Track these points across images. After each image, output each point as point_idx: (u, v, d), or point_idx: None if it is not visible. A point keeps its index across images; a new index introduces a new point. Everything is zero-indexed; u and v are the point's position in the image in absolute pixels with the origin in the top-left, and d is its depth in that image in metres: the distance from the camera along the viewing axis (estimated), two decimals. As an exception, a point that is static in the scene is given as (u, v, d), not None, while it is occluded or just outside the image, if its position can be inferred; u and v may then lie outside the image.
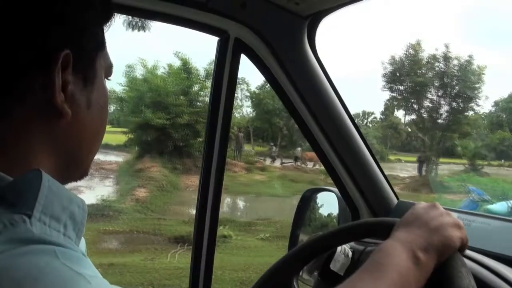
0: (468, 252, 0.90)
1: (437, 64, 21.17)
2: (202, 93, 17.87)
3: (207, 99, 17.35)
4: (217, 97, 1.38)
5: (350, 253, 1.29)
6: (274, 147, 22.21)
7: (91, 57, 0.68)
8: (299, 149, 21.35)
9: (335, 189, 1.57)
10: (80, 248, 0.79)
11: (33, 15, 0.60)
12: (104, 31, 0.72)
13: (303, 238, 1.70)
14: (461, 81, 20.86)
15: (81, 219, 0.62)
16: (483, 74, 20.73)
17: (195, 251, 1.48)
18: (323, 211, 1.82)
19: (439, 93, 21.27)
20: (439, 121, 21.61)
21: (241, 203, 15.05)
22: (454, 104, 21.23)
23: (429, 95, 21.55)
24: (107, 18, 0.72)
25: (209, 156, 1.42)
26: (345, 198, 1.53)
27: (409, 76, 21.15)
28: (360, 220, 1.43)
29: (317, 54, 1.37)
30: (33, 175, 0.58)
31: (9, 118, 0.60)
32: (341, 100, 1.41)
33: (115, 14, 0.74)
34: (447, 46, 20.93)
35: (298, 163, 20.73)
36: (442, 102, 21.40)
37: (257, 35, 1.32)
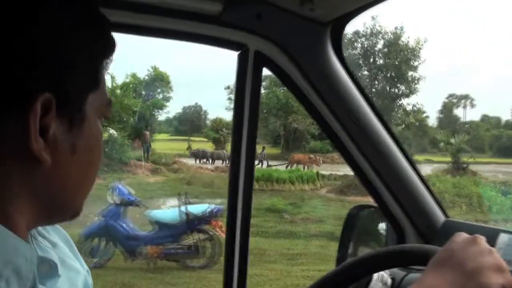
0: None
1: (363, 40, 18.53)
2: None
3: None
4: (240, 114, 1.31)
5: (389, 281, 1.17)
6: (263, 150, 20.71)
7: (80, 99, 0.62)
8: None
9: None
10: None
11: (4, 53, 0.55)
12: (104, 67, 0.67)
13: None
14: (391, 59, 18.12)
15: (27, 272, 0.57)
16: (420, 48, 18.08)
17: (226, 266, 1.40)
18: (371, 230, 1.69)
19: (365, 74, 18.42)
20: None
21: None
22: (385, 88, 18.35)
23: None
24: (104, 53, 0.66)
25: (235, 174, 1.35)
26: (388, 216, 1.39)
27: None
28: (397, 245, 1.29)
29: (344, 61, 1.26)
30: None
31: None
32: (374, 108, 1.29)
33: (115, 46, 0.68)
34: (374, 18, 18.38)
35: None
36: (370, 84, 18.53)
37: (277, 47, 1.24)
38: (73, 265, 0.77)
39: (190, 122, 26.56)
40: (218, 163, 20.26)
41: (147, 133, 19.73)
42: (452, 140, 18.93)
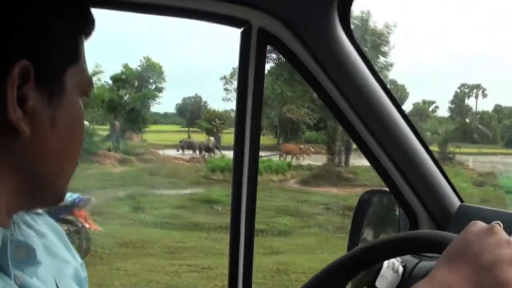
0: None
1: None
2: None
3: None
4: (243, 95, 1.25)
5: (400, 268, 1.11)
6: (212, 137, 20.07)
7: (59, 71, 0.61)
8: (211, 138, 19.49)
9: None
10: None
11: None
12: (83, 42, 0.66)
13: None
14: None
15: None
16: (388, 33, 17.09)
17: (231, 255, 1.36)
18: (383, 216, 1.62)
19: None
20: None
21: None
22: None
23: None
24: (82, 28, 0.66)
25: (239, 158, 1.29)
26: (400, 201, 1.33)
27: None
28: (410, 231, 1.23)
29: (353, 38, 1.19)
30: None
31: None
32: (386, 89, 1.22)
33: (95, 23, 0.67)
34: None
35: (207, 155, 18.94)
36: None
37: (282, 23, 1.17)
38: (62, 255, 0.76)
39: (190, 113, 26.39)
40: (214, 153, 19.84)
41: (117, 123, 19.09)
42: (439, 130, 18.48)
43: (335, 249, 8.74)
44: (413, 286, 0.63)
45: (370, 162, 1.31)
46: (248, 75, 1.23)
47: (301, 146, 18.65)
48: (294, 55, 1.21)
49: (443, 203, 1.27)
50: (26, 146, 0.58)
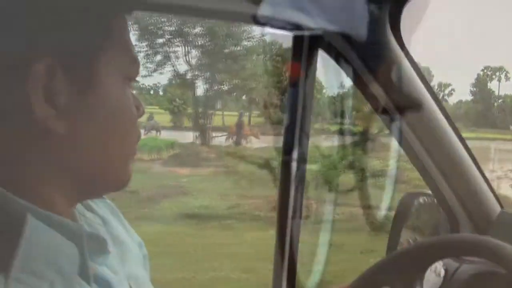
0: None
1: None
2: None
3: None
4: (295, 96, 1.29)
5: (442, 272, 1.14)
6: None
7: (89, 60, 0.58)
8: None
9: None
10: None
11: None
12: (120, 21, 0.62)
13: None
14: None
15: (70, 270, 0.55)
16: None
17: (277, 249, 1.40)
18: (424, 218, 1.64)
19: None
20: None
21: None
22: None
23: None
24: (115, 7, 0.62)
25: (287, 158, 1.33)
26: (442, 204, 1.36)
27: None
28: (451, 235, 1.26)
29: (403, 44, 1.21)
30: (15, 220, 0.51)
31: None
32: (432, 93, 1.25)
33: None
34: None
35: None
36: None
37: (332, 28, 1.20)
38: (123, 239, 0.75)
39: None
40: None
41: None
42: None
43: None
44: None
45: (413, 164, 1.34)
46: (299, 79, 1.27)
47: (251, 128, 16.24)
48: (345, 59, 1.24)
49: (484, 208, 1.29)
50: (61, 142, 0.56)
